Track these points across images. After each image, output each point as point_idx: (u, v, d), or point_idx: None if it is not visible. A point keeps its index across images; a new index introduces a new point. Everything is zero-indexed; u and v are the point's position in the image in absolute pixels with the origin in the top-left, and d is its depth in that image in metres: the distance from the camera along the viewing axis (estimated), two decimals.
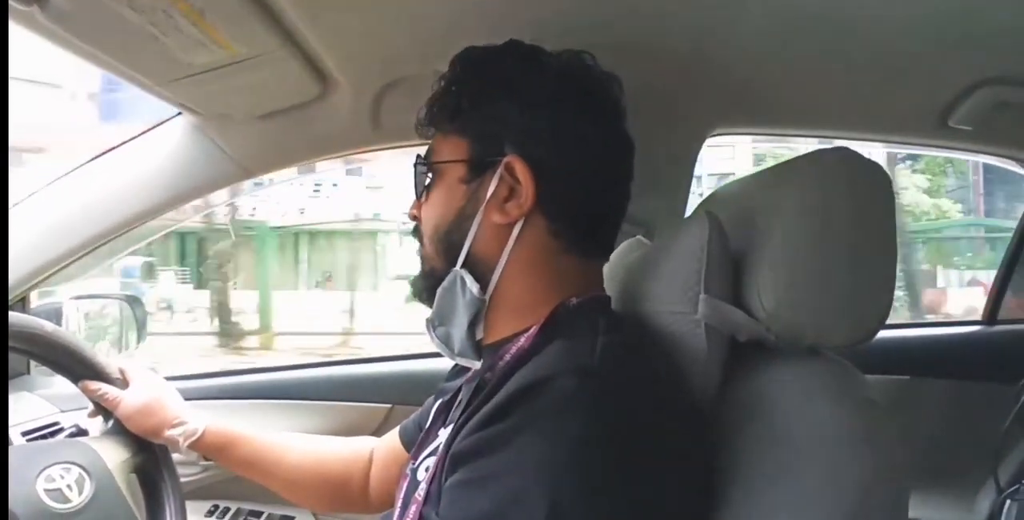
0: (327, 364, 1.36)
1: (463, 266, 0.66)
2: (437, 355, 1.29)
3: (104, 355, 0.84)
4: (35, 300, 1.17)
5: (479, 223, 0.65)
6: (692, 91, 0.97)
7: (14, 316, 0.77)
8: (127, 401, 0.83)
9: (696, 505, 0.56)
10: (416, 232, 0.73)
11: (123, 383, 0.86)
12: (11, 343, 0.76)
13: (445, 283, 0.67)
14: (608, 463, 0.51)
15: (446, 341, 0.69)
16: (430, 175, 0.69)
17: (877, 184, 0.63)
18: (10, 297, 1.05)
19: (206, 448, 0.88)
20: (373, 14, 0.79)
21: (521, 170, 0.64)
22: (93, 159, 1.03)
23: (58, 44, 0.70)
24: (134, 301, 1.26)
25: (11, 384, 1.15)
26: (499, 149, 0.65)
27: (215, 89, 0.85)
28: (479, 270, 0.66)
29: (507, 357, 0.64)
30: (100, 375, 0.83)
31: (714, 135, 1.09)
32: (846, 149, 0.65)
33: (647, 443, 0.53)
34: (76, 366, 0.80)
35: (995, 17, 0.86)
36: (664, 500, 0.52)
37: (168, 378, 1.31)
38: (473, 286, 0.65)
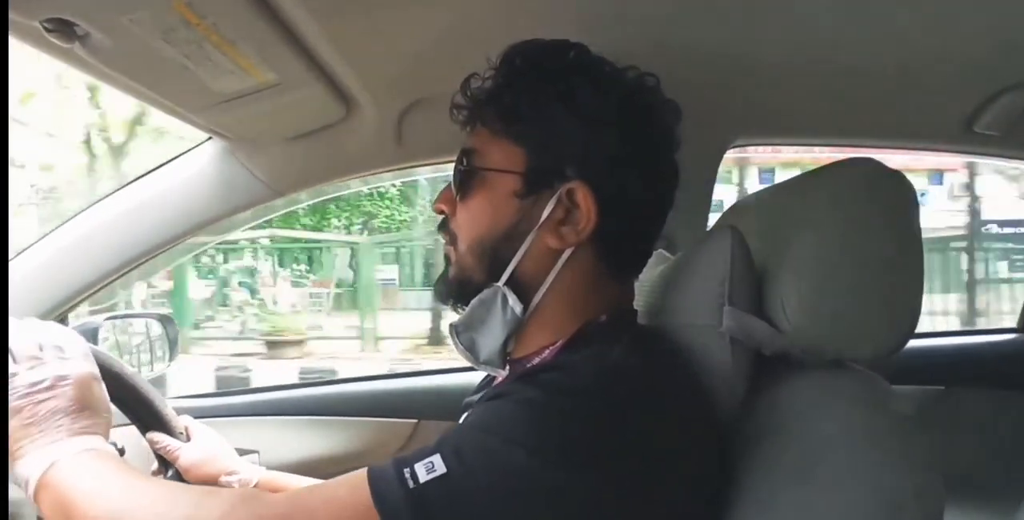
0: (352, 380, 1.38)
1: (505, 283, 0.65)
2: (462, 370, 1.31)
3: (171, 408, 0.86)
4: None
5: (530, 244, 0.64)
6: (713, 103, 0.97)
7: (100, 353, 0.78)
8: (187, 454, 0.86)
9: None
10: (444, 228, 0.70)
11: (185, 438, 0.88)
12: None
13: (483, 296, 0.66)
14: (597, 447, 0.52)
15: (470, 348, 0.68)
16: (470, 173, 0.66)
17: (901, 194, 0.63)
18: (49, 318, 1.08)
19: None
20: (395, 38, 0.82)
21: (584, 197, 0.62)
22: (130, 183, 1.07)
23: (95, 76, 0.73)
24: (166, 320, 1.29)
25: None
26: (560, 168, 0.63)
27: (244, 114, 0.88)
28: (522, 288, 0.65)
29: (528, 367, 0.65)
30: (166, 428, 0.85)
31: (734, 146, 1.09)
32: (868, 159, 0.65)
33: (645, 446, 0.54)
34: (147, 416, 0.83)
35: (1019, 22, 0.85)
36: (648, 505, 0.53)
37: (194, 396, 1.34)
38: (516, 305, 0.64)
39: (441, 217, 0.71)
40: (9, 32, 0.61)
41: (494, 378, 0.72)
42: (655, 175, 0.67)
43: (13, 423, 0.59)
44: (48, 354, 0.63)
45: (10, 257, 1.05)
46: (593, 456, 0.51)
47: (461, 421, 0.76)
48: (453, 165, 0.69)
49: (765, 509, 0.56)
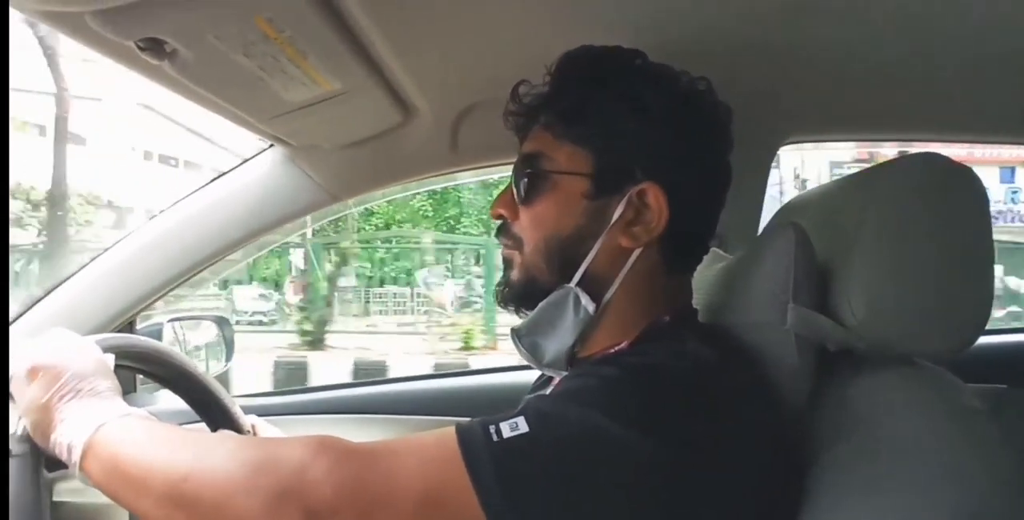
0: (407, 379, 1.41)
1: (577, 284, 0.66)
2: (516, 368, 1.32)
3: (238, 407, 0.90)
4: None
5: (601, 244, 0.65)
6: (766, 99, 0.97)
7: (172, 353, 0.82)
8: None
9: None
10: (503, 233, 0.71)
11: (253, 435, 0.91)
12: (165, 374, 0.82)
13: (552, 297, 0.67)
14: (671, 416, 0.54)
15: (533, 351, 0.69)
16: (537, 176, 0.67)
17: (970, 189, 0.62)
18: (120, 320, 1.14)
19: None
20: (453, 44, 0.84)
21: (656, 197, 0.64)
22: (196, 191, 1.12)
23: (174, 90, 0.77)
24: (223, 322, 1.34)
25: None
26: (629, 170, 0.65)
27: (308, 122, 0.91)
28: (593, 288, 0.66)
29: (609, 353, 0.66)
30: (234, 426, 0.88)
31: (788, 143, 1.09)
32: (934, 153, 0.65)
33: (717, 426, 0.55)
34: (217, 414, 0.86)
35: None
36: (712, 488, 0.54)
37: (256, 394, 1.39)
38: (589, 305, 0.65)
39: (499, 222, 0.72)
40: (102, 51, 0.65)
41: (551, 376, 0.73)
42: (715, 175, 0.69)
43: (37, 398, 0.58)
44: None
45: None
46: (667, 425, 0.53)
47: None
48: (509, 168, 0.70)
49: (834, 514, 0.55)
